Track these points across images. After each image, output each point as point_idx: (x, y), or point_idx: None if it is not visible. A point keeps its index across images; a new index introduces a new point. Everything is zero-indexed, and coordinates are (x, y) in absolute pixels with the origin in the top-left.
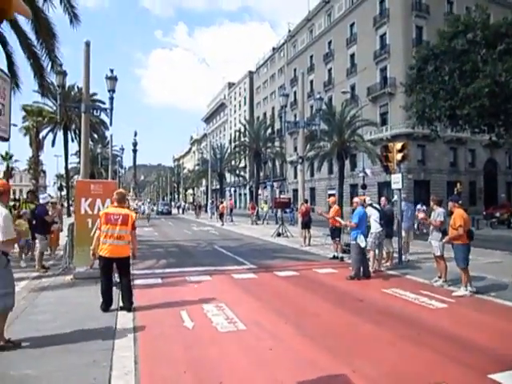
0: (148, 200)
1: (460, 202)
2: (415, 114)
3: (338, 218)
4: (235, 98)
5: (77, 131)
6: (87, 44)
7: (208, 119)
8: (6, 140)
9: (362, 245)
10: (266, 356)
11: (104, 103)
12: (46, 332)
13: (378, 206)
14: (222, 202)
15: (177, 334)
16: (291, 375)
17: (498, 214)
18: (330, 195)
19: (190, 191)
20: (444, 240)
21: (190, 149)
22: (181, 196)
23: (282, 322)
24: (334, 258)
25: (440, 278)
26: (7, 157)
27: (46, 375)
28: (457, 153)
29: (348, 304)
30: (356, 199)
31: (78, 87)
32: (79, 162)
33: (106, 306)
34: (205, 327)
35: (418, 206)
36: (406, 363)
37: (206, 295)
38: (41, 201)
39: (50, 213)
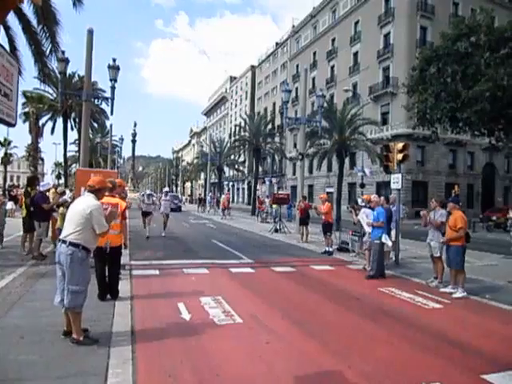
0: (166, 190)
1: (460, 204)
2: (416, 115)
3: (364, 218)
4: (236, 92)
5: (76, 119)
6: (90, 32)
7: (208, 112)
8: (13, 126)
9: (390, 244)
10: (262, 349)
11: (104, 92)
12: (44, 319)
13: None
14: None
15: (174, 325)
16: (287, 369)
17: (494, 218)
18: (328, 193)
19: (188, 184)
20: (442, 240)
21: (190, 141)
22: (179, 188)
23: (279, 317)
24: (325, 252)
25: (436, 278)
26: (5, 143)
27: (44, 361)
28: (456, 155)
29: (344, 301)
30: (374, 198)
31: (78, 75)
32: (78, 151)
33: (103, 295)
34: (202, 319)
35: None
36: (401, 361)
37: (204, 288)
38: (40, 188)
39: (51, 200)
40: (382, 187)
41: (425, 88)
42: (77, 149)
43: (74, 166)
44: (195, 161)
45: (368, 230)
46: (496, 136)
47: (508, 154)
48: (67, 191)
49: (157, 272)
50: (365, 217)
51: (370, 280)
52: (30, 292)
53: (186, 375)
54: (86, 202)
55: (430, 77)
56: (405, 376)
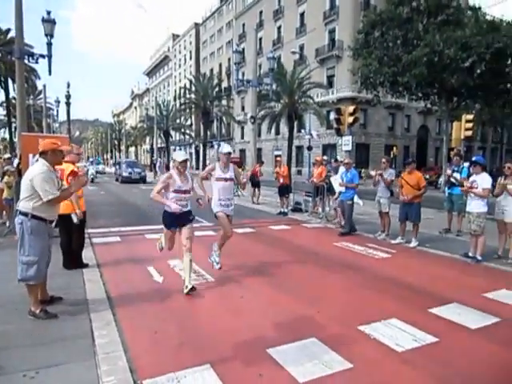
0: (228, 150)
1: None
2: (361, 79)
3: (338, 179)
4: (180, 52)
5: (2, 78)
6: None
7: (150, 73)
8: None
9: (361, 204)
10: (238, 303)
11: (32, 47)
12: (12, 290)
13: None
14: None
15: (148, 287)
16: (265, 318)
17: (427, 176)
18: (277, 156)
19: (132, 149)
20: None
21: (131, 104)
22: (122, 154)
23: (248, 274)
24: (281, 213)
25: (383, 232)
26: None
27: (25, 330)
28: (395, 118)
29: (305, 256)
30: (348, 160)
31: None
32: (7, 115)
33: (68, 263)
34: (175, 281)
35: None
36: (360, 304)
37: (169, 252)
38: None
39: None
40: (328, 149)
41: (369, 52)
42: (4, 112)
43: (1, 131)
44: (139, 125)
45: (339, 189)
46: (431, 100)
47: (440, 116)
48: (16, 160)
49: (118, 239)
50: (338, 177)
51: (324, 236)
52: None
53: (172, 330)
54: (31, 169)
55: (374, 41)
56: (365, 315)
